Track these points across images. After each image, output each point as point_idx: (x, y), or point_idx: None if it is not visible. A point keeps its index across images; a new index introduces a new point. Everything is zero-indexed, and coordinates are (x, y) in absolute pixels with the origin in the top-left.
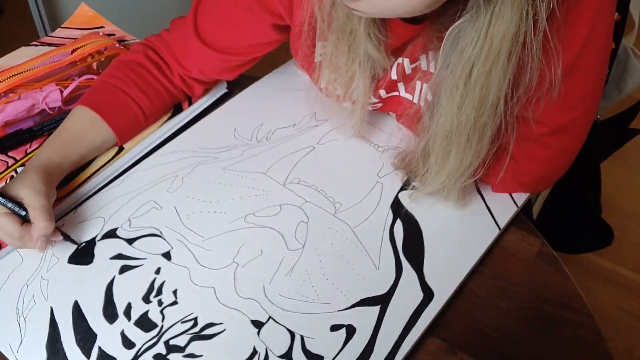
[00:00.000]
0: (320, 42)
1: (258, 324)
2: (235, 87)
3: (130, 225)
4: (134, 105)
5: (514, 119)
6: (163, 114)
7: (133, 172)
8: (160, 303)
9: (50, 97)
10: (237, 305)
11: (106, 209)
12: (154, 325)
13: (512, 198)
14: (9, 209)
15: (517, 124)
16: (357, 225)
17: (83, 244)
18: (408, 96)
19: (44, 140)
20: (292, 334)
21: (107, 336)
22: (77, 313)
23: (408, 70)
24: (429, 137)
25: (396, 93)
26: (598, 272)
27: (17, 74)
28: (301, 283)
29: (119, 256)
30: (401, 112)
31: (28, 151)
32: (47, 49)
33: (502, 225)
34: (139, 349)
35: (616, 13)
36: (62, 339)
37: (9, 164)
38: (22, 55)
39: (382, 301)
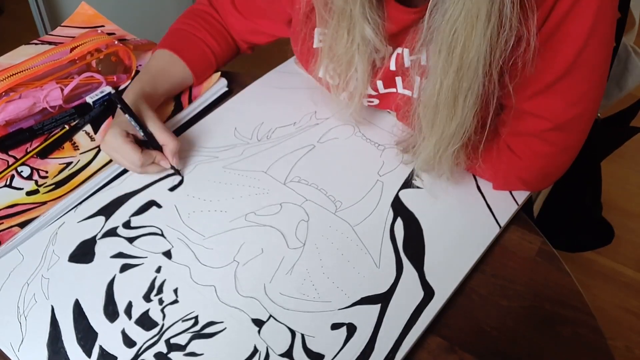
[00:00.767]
0: (319, 28)
1: (259, 323)
2: (236, 85)
3: (130, 224)
4: (206, 47)
5: (494, 86)
6: (230, 59)
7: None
8: (161, 302)
9: (51, 95)
10: (238, 304)
11: (107, 208)
12: (155, 324)
13: (513, 196)
14: (143, 134)
15: (500, 101)
16: (357, 224)
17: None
18: (407, 92)
19: (44, 139)
20: (293, 333)
21: (108, 335)
22: (78, 312)
23: (407, 63)
24: (419, 102)
25: (394, 89)
26: (598, 271)
27: (17, 73)
28: (302, 282)
29: (120, 255)
30: (399, 110)
31: (28, 150)
32: (47, 47)
33: (502, 224)
34: (140, 348)
35: None
36: (63, 338)
37: (9, 163)
38: (22, 54)
39: (383, 300)
